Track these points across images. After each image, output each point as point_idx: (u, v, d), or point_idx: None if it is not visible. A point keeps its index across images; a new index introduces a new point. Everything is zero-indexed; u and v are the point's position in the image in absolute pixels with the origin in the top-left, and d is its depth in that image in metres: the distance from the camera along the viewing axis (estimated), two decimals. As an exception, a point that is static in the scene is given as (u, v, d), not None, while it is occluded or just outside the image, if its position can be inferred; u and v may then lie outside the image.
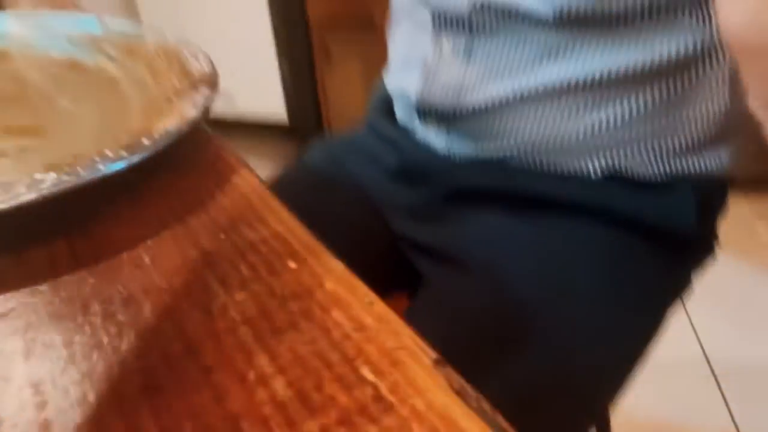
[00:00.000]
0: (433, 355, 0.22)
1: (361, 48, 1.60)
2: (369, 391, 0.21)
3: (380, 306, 0.24)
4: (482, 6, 0.45)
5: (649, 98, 0.46)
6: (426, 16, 0.50)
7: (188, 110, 0.36)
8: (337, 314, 0.24)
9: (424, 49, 0.51)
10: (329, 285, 0.25)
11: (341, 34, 1.63)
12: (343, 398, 0.20)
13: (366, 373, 0.21)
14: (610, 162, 0.48)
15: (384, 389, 0.21)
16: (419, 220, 0.54)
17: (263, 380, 0.21)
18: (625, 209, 0.48)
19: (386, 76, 0.61)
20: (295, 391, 0.21)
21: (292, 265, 0.27)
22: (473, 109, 0.49)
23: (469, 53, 0.48)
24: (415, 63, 0.52)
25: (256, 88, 1.83)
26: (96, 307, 0.24)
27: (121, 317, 0.24)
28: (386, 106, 0.60)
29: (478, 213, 0.50)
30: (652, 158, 0.48)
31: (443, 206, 0.52)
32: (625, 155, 0.47)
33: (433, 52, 0.50)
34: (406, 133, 0.56)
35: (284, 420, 0.20)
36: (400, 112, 0.57)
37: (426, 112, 0.52)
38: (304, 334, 0.23)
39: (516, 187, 0.49)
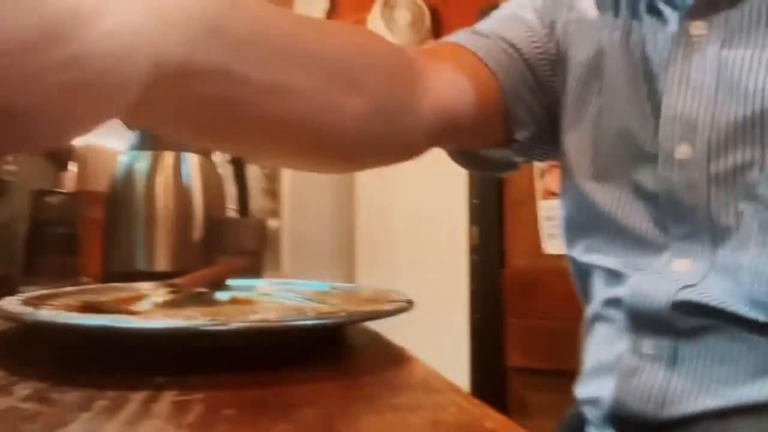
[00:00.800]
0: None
1: (559, 397, 1.53)
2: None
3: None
4: (683, 304, 0.42)
5: None
6: (620, 318, 0.47)
7: (386, 305, 0.39)
8: (494, 441, 0.21)
9: (620, 354, 0.47)
10: (488, 424, 0.22)
11: (537, 380, 1.61)
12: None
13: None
14: None
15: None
16: None
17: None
18: None
19: (577, 387, 0.56)
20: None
21: (452, 409, 0.25)
22: (681, 419, 0.43)
23: (674, 359, 0.43)
24: (610, 368, 0.48)
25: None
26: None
27: None
28: (578, 422, 0.54)
29: None
30: None
31: None
32: None
33: (632, 356, 0.46)
34: None
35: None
36: (593, 425, 0.51)
37: (622, 419, 0.46)
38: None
39: None
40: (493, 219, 2.00)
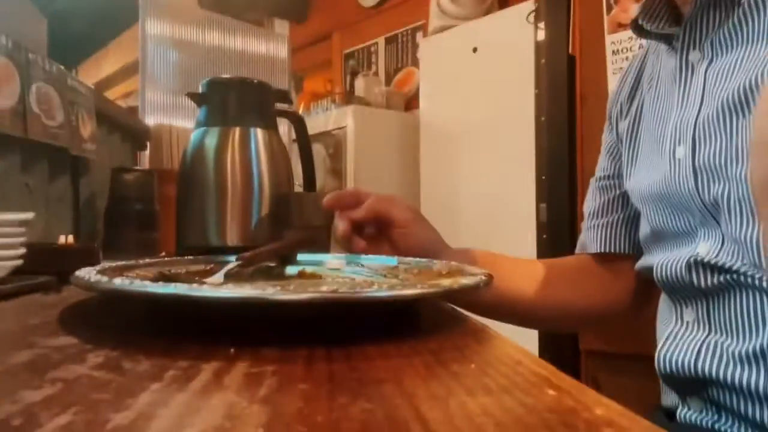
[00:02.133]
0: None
1: (634, 381, 1.46)
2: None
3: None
4: (696, 264, 0.50)
5: None
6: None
7: (464, 280, 0.37)
8: (609, 431, 0.18)
9: (671, 324, 0.54)
10: (600, 411, 0.19)
11: (612, 364, 1.54)
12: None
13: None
14: None
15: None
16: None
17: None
18: None
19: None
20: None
21: (551, 392, 0.22)
22: (716, 372, 0.48)
23: (708, 319, 0.51)
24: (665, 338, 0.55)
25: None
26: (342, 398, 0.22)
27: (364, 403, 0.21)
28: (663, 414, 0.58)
29: None
30: None
31: None
32: None
33: (677, 324, 0.53)
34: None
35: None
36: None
37: (671, 377, 0.52)
38: (562, 435, 0.17)
39: None
40: (563, 196, 1.91)
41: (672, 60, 0.57)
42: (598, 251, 0.69)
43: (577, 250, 0.74)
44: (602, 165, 0.73)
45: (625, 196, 0.68)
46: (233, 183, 0.84)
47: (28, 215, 0.59)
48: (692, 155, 0.51)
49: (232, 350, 0.28)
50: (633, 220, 0.68)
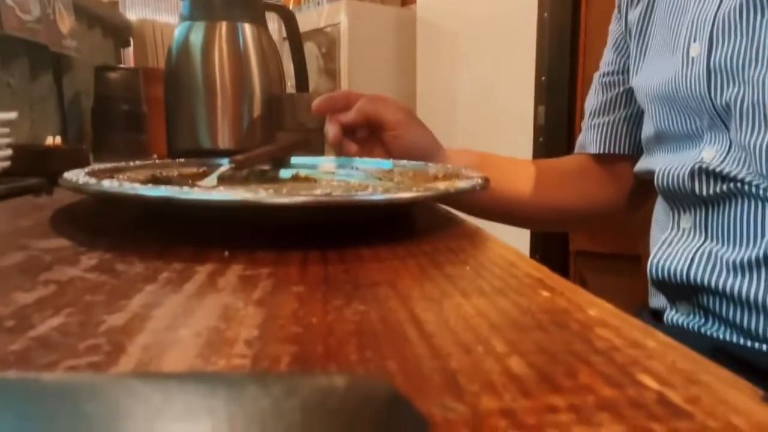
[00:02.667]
0: (761, 392, 0.14)
1: (620, 281, 1.52)
2: (650, 395, 0.14)
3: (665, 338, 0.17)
4: (700, 172, 0.49)
5: None
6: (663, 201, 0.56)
7: (461, 183, 0.36)
8: (602, 331, 0.18)
9: (667, 231, 0.54)
10: (593, 311, 0.20)
11: (600, 263, 1.58)
12: (606, 391, 0.14)
13: (645, 379, 0.14)
14: None
15: (676, 398, 0.13)
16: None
17: (494, 355, 0.16)
18: None
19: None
20: (535, 371, 0.15)
21: (545, 293, 0.22)
22: (710, 280, 0.48)
23: (705, 226, 0.50)
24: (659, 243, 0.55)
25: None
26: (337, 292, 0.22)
27: (359, 301, 0.21)
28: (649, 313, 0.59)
29: None
30: None
31: None
32: None
33: (674, 231, 0.53)
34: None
35: (517, 387, 0.14)
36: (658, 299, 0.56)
37: (662, 284, 0.52)
38: (555, 336, 0.17)
39: None
40: (562, 99, 1.86)
41: None
42: (598, 151, 0.68)
43: (576, 150, 0.72)
44: (607, 59, 0.69)
45: (629, 93, 0.65)
46: (222, 83, 0.80)
47: (12, 115, 0.57)
48: (708, 54, 0.48)
49: (226, 253, 0.27)
50: (636, 118, 0.66)
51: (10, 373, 0.15)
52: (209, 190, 0.32)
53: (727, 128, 0.48)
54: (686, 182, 0.50)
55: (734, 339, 0.48)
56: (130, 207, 0.42)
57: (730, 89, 0.47)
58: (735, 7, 0.46)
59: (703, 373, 0.15)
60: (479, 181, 0.38)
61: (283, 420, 0.09)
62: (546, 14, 1.88)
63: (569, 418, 0.12)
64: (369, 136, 0.64)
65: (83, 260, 0.26)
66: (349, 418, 0.09)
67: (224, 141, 0.82)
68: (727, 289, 0.47)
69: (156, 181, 0.49)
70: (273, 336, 0.17)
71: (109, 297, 0.21)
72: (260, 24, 0.84)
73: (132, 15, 1.49)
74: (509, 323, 0.19)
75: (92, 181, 0.34)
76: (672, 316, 0.53)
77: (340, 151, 0.64)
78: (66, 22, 0.99)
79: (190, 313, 0.19)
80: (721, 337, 0.49)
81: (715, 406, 0.13)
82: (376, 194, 0.31)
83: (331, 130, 0.62)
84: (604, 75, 0.69)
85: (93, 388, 0.11)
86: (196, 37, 0.80)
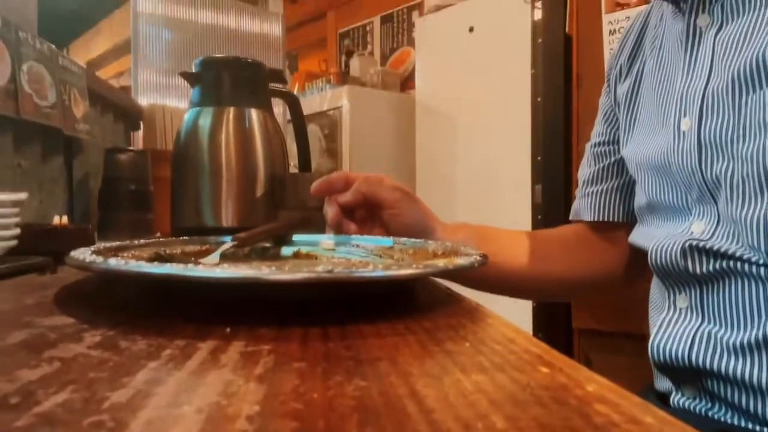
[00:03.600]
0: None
1: (626, 360, 1.48)
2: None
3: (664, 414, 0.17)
4: (692, 249, 0.49)
5: None
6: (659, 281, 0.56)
7: (460, 260, 0.37)
8: (600, 407, 0.18)
9: (664, 312, 0.54)
10: (591, 387, 0.20)
11: (605, 342, 1.55)
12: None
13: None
14: None
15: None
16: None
17: (493, 431, 0.16)
18: None
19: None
20: (535, 447, 0.15)
21: (544, 369, 0.22)
22: (710, 363, 0.47)
23: (701, 306, 0.50)
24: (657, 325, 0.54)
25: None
26: (338, 370, 0.23)
27: (359, 380, 0.21)
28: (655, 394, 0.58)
29: None
30: None
31: None
32: None
33: (671, 311, 0.53)
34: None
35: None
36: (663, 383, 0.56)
37: (663, 365, 0.52)
38: (554, 411, 0.18)
39: None
40: (558, 177, 1.91)
41: (679, 23, 0.55)
42: (592, 219, 0.69)
43: (571, 217, 0.73)
44: (598, 130, 0.72)
45: (620, 163, 0.67)
46: (228, 164, 0.83)
47: (22, 195, 0.59)
48: (698, 128, 0.49)
49: (228, 330, 0.28)
50: (628, 187, 0.67)
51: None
52: (212, 268, 0.33)
53: (716, 202, 0.49)
54: (679, 260, 0.50)
55: (742, 423, 0.46)
56: (133, 284, 0.42)
57: (720, 163, 0.48)
58: (723, 86, 0.47)
59: (701, 448, 0.15)
60: (477, 258, 0.39)
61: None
62: (539, 98, 1.96)
63: (569, 493, 0.12)
64: (367, 215, 0.65)
65: (87, 337, 0.26)
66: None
67: (228, 219, 0.83)
68: (730, 372, 0.45)
69: (160, 259, 0.49)
70: (274, 412, 0.17)
71: (112, 374, 0.21)
72: (266, 108, 0.88)
73: (143, 100, 1.56)
74: (509, 399, 0.19)
75: (98, 259, 0.35)
76: (678, 399, 0.52)
77: (339, 231, 0.65)
78: (80, 107, 1.04)
79: (192, 390, 0.19)
80: (729, 421, 0.47)
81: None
82: (377, 271, 0.32)
83: (330, 211, 0.64)
84: (595, 145, 0.71)
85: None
86: (205, 121, 0.84)
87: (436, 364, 0.23)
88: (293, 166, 1.01)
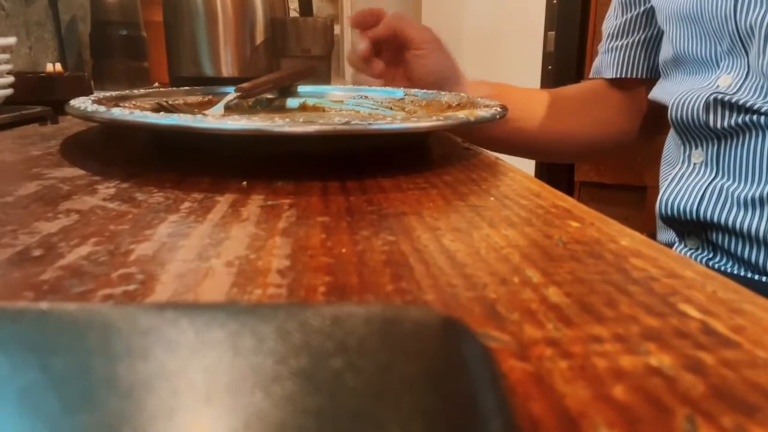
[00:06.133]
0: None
1: (625, 212, 1.52)
2: (695, 324, 0.14)
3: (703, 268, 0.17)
4: (715, 103, 0.48)
5: None
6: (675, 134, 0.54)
7: (481, 112, 0.35)
8: (637, 261, 0.18)
9: (678, 166, 0.53)
10: (625, 242, 0.19)
11: (605, 194, 1.59)
12: (649, 320, 0.14)
13: (687, 309, 0.14)
14: None
15: (720, 327, 0.13)
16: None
17: (530, 285, 0.16)
18: None
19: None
20: (574, 301, 0.15)
21: (575, 224, 0.21)
22: (719, 217, 0.48)
23: (717, 161, 0.49)
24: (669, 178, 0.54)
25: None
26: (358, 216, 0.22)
27: (377, 227, 0.21)
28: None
29: None
30: None
31: None
32: None
33: (684, 165, 0.52)
34: None
35: (557, 317, 0.14)
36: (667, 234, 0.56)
37: (671, 220, 0.52)
38: (590, 266, 0.17)
39: None
40: (574, 24, 1.79)
41: None
42: (615, 76, 0.66)
43: (591, 74, 0.70)
44: None
45: (649, 14, 0.63)
46: (224, 6, 0.77)
47: (11, 40, 0.55)
48: None
49: (244, 183, 0.27)
50: (654, 41, 0.64)
51: (42, 304, 0.15)
52: (222, 120, 0.31)
53: (747, 53, 0.47)
54: (701, 114, 0.49)
55: (741, 272, 0.48)
56: (138, 136, 0.41)
57: (757, 10, 0.45)
58: None
59: (745, 303, 0.14)
60: (498, 109, 0.37)
61: (348, 349, 0.09)
62: (560, -68, 1.77)
63: (615, 347, 0.12)
64: (393, 58, 0.63)
65: (101, 189, 0.25)
66: (411, 346, 0.09)
67: (228, 68, 0.79)
68: (737, 225, 0.46)
69: (163, 109, 0.47)
70: (305, 266, 0.17)
71: (133, 226, 0.20)
72: (262, -58, 0.79)
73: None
74: (542, 254, 0.18)
75: (101, 109, 0.33)
76: (680, 249, 0.53)
77: (366, 69, 0.63)
78: (56, -60, 0.93)
79: (218, 243, 0.19)
80: (729, 270, 0.49)
81: (761, 335, 0.13)
82: (396, 123, 0.30)
83: (362, 44, 0.62)
84: None
85: (136, 317, 0.11)
86: (195, -44, 0.76)
87: (462, 218, 0.22)
88: (293, 10, 0.94)
